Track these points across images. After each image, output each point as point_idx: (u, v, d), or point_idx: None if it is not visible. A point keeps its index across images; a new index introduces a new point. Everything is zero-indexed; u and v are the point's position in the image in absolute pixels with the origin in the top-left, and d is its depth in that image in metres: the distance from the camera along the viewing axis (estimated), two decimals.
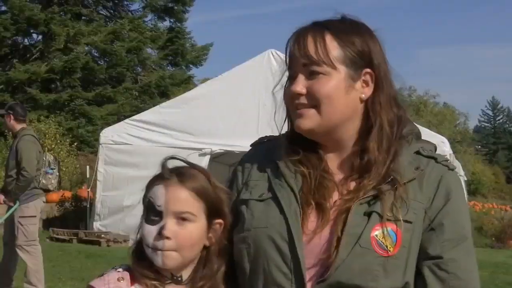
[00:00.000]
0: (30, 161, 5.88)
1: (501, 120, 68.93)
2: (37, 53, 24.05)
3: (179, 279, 1.35)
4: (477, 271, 1.33)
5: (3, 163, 11.04)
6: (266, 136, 1.52)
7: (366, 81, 1.32)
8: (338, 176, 1.35)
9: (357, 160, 1.33)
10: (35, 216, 6.09)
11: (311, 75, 1.30)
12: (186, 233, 1.31)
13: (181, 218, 1.30)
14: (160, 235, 1.30)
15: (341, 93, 1.30)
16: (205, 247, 1.36)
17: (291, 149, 1.37)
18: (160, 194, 1.32)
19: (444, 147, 10.68)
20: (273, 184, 1.35)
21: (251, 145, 1.51)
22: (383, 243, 1.25)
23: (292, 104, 1.34)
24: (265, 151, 1.44)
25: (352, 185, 1.33)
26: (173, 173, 1.34)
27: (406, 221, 1.26)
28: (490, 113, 68.74)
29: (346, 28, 1.33)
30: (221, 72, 11.75)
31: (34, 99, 22.01)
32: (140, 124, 11.20)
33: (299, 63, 1.31)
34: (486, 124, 68.77)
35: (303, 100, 1.31)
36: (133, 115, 12.79)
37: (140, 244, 1.36)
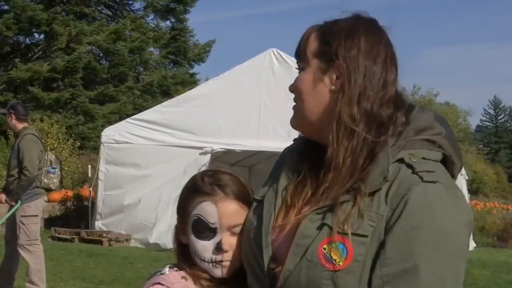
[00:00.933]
0: (32, 160, 5.88)
1: (503, 119, 68.86)
2: (39, 53, 24.08)
3: (224, 282, 1.40)
4: None
5: (5, 162, 11.06)
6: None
7: (337, 75, 1.27)
8: (315, 181, 1.31)
9: (325, 161, 1.27)
10: (36, 215, 6.09)
11: (299, 71, 1.34)
12: (237, 243, 1.37)
13: (232, 230, 1.36)
14: (218, 250, 1.35)
15: (310, 86, 1.30)
16: None
17: (303, 153, 1.37)
18: (211, 212, 1.36)
19: None
20: (271, 185, 1.37)
21: (293, 140, 1.46)
22: (331, 256, 1.18)
23: None
24: (289, 151, 1.43)
25: (320, 192, 1.28)
26: (214, 186, 1.37)
27: (358, 234, 1.17)
28: (492, 112, 68.67)
29: (334, 24, 1.31)
30: (223, 71, 11.76)
31: (36, 98, 22.03)
32: (142, 123, 11.21)
33: (298, 59, 1.36)
34: (488, 123, 68.71)
35: (294, 98, 1.35)
36: (135, 114, 12.80)
37: (182, 250, 1.42)
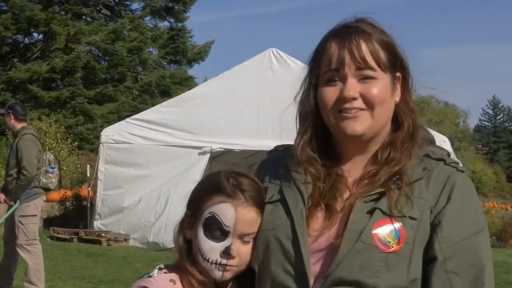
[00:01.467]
0: (31, 160, 5.88)
1: (501, 119, 68.91)
2: (37, 53, 24.06)
3: (221, 285, 1.39)
4: (486, 269, 1.30)
5: (4, 162, 11.05)
6: (282, 144, 1.55)
7: (397, 85, 1.38)
8: (354, 176, 1.37)
9: (376, 159, 1.37)
10: (35, 215, 6.09)
11: (364, 79, 1.33)
12: (249, 252, 1.36)
13: (246, 238, 1.35)
14: (226, 254, 1.33)
15: (389, 96, 1.35)
16: None
17: (309, 156, 1.38)
18: (229, 215, 1.34)
19: (445, 146, 10.68)
20: (283, 187, 1.38)
21: (267, 153, 1.54)
22: (385, 239, 1.25)
23: (335, 108, 1.34)
24: (279, 158, 1.47)
25: (364, 183, 1.35)
26: (237, 190, 1.36)
27: (410, 217, 1.27)
28: (491, 112, 68.73)
29: (380, 31, 1.37)
30: (222, 71, 11.75)
31: (35, 98, 22.02)
32: (141, 123, 11.20)
33: (352, 66, 1.32)
34: (487, 123, 68.76)
35: (356, 104, 1.33)
36: (134, 114, 12.79)
37: (185, 245, 1.40)
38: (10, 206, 6.02)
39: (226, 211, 1.34)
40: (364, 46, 1.32)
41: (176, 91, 22.19)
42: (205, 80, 19.57)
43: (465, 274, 1.27)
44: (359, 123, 1.32)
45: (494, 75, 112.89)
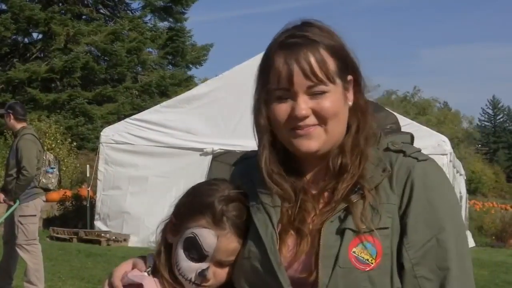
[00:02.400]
0: (30, 160, 5.88)
1: (501, 119, 68.94)
2: (37, 53, 24.07)
3: None
4: (452, 270, 1.23)
5: (3, 162, 11.05)
6: (246, 153, 1.47)
7: (349, 88, 1.31)
8: (314, 189, 1.31)
9: (331, 166, 1.29)
10: (35, 215, 6.09)
11: (315, 95, 1.26)
12: (225, 274, 1.35)
13: (225, 264, 1.34)
14: (201, 276, 1.32)
15: (342, 106, 1.29)
16: None
17: (272, 165, 1.32)
18: (211, 241, 1.32)
19: (445, 146, 10.68)
20: (251, 207, 1.32)
21: (232, 165, 1.48)
22: (363, 258, 1.21)
23: (289, 126, 1.28)
24: (244, 171, 1.41)
25: (326, 195, 1.29)
26: (223, 218, 1.32)
27: (381, 228, 1.22)
28: (491, 112, 68.76)
29: (327, 36, 1.29)
30: (222, 72, 11.75)
31: (34, 99, 22.02)
32: (141, 123, 11.20)
33: (302, 83, 1.25)
34: (487, 123, 68.78)
35: (308, 121, 1.26)
36: (133, 114, 12.79)
37: (165, 248, 1.39)
38: (9, 206, 6.02)
39: (208, 236, 1.32)
40: (312, 60, 1.24)
41: (176, 91, 22.20)
42: (205, 80, 19.56)
43: (434, 277, 1.22)
44: (313, 140, 1.26)
45: (494, 75, 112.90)
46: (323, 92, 1.26)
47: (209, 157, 10.67)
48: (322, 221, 1.25)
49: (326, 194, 1.29)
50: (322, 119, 1.26)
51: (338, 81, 1.28)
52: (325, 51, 1.27)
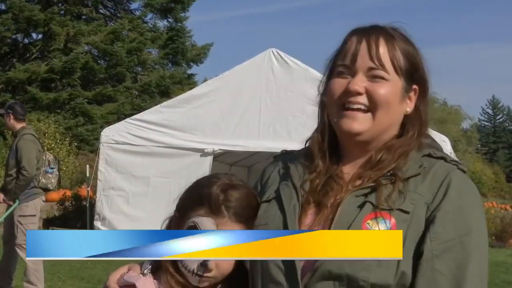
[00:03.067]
0: (30, 160, 5.88)
1: (501, 119, 68.96)
2: (37, 53, 24.06)
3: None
4: (468, 272, 1.24)
5: (3, 162, 11.04)
6: (286, 149, 1.55)
7: (411, 97, 1.36)
8: (349, 175, 1.35)
9: (373, 158, 1.34)
10: (34, 215, 6.09)
11: (374, 77, 1.30)
12: (228, 265, 1.35)
13: None
14: (203, 266, 1.33)
15: (397, 102, 1.32)
16: None
17: (309, 158, 1.38)
18: (208, 225, 1.34)
19: (445, 146, 10.67)
20: (280, 185, 1.38)
21: (273, 157, 1.55)
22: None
23: (340, 102, 1.33)
24: (283, 161, 1.47)
25: (357, 183, 1.33)
26: (222, 207, 1.34)
27: (401, 210, 1.25)
28: (490, 112, 68.77)
29: (404, 39, 1.35)
30: (222, 72, 11.74)
31: (34, 99, 22.02)
32: (141, 123, 11.19)
33: (365, 63, 1.30)
34: (486, 123, 68.78)
35: (359, 99, 1.31)
36: (133, 114, 12.78)
37: None
38: (9, 206, 6.02)
39: (207, 225, 1.34)
40: (382, 46, 1.30)
41: (176, 91, 22.20)
42: (205, 80, 19.56)
43: (450, 275, 1.23)
44: (357, 123, 1.30)
45: (494, 75, 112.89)
46: (382, 78, 1.30)
47: (210, 158, 10.66)
48: (344, 194, 1.29)
49: (358, 181, 1.33)
50: (373, 103, 1.30)
51: (401, 79, 1.32)
52: (398, 48, 1.32)
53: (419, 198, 1.27)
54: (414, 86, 1.35)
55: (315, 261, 1.24)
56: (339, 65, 1.33)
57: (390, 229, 1.22)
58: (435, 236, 1.24)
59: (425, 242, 1.24)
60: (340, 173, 1.35)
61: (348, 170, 1.36)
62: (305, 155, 1.41)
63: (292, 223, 1.28)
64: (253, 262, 1.34)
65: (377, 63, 1.29)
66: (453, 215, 1.26)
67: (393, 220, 1.23)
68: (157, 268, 1.40)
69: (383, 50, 1.30)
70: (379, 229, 1.22)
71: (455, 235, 1.24)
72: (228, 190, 1.37)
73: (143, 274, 1.39)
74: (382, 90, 1.30)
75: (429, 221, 1.25)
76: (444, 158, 1.35)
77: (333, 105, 1.34)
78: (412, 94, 1.35)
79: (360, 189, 1.28)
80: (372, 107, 1.30)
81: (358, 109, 1.31)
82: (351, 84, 1.30)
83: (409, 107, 1.35)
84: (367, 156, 1.36)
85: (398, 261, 1.22)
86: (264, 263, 1.30)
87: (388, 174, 1.29)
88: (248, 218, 1.36)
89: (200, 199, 1.37)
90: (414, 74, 1.34)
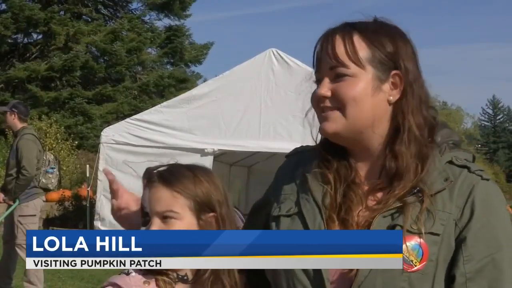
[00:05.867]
0: (30, 160, 5.89)
1: (501, 119, 68.95)
2: (36, 52, 24.08)
3: (185, 278, 1.38)
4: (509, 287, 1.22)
5: (4, 162, 11.05)
6: (300, 146, 1.49)
7: (395, 83, 1.29)
8: (366, 185, 1.31)
9: (386, 166, 1.29)
10: (34, 215, 6.09)
11: (337, 77, 1.27)
12: None
13: (164, 216, 1.36)
14: None
15: (368, 95, 1.26)
16: None
17: (323, 159, 1.34)
18: (146, 197, 1.40)
19: None
20: (300, 198, 1.33)
21: (285, 156, 1.49)
22: (408, 257, 1.19)
23: (318, 108, 1.31)
24: (296, 163, 1.42)
25: (379, 195, 1.29)
26: (156, 175, 1.40)
27: (431, 233, 1.21)
28: (491, 112, 68.77)
29: (376, 29, 1.30)
30: (222, 72, 11.75)
31: (34, 97, 22.04)
32: (142, 123, 11.20)
33: (326, 65, 1.28)
34: (487, 123, 68.79)
35: (328, 103, 1.28)
36: (132, 113, 12.79)
37: None
38: (9, 206, 6.02)
39: (145, 194, 1.41)
40: (339, 43, 1.26)
41: (175, 91, 22.21)
42: (205, 80, 19.58)
43: None
44: (330, 122, 1.28)
45: (494, 75, 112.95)
46: (344, 75, 1.26)
47: (210, 158, 10.67)
48: (373, 215, 1.25)
49: (378, 193, 1.29)
50: (339, 102, 1.27)
51: (370, 69, 1.26)
52: (361, 39, 1.27)
53: (448, 217, 1.23)
54: (394, 72, 1.28)
55: (347, 275, 1.21)
56: (315, 73, 1.33)
57: (423, 253, 1.20)
58: (468, 259, 1.21)
59: (458, 266, 1.21)
60: (355, 179, 1.30)
61: (362, 171, 1.32)
62: (320, 156, 1.36)
63: None
64: (278, 282, 1.29)
65: (335, 62, 1.26)
66: (482, 233, 1.22)
67: (425, 245, 1.20)
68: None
69: (339, 47, 1.26)
70: (409, 254, 1.19)
71: (487, 253, 1.21)
72: (164, 165, 1.43)
73: (127, 274, 1.39)
74: (344, 88, 1.26)
75: (460, 241, 1.22)
76: (467, 167, 1.29)
77: (316, 114, 1.33)
78: (395, 80, 1.28)
79: (387, 210, 1.24)
80: (340, 106, 1.27)
81: (329, 109, 1.29)
82: (317, 91, 1.29)
83: (392, 95, 1.28)
84: (374, 158, 1.31)
85: (432, 285, 1.20)
86: (291, 284, 1.26)
87: (415, 190, 1.24)
88: (179, 185, 1.37)
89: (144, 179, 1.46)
90: (389, 60, 1.27)
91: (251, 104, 10.73)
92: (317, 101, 1.30)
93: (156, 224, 1.35)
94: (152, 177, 1.39)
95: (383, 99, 1.28)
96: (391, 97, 1.29)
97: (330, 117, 1.28)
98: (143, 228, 1.39)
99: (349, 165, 1.32)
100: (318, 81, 1.31)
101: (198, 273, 1.36)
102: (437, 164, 1.28)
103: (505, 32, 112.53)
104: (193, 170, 1.41)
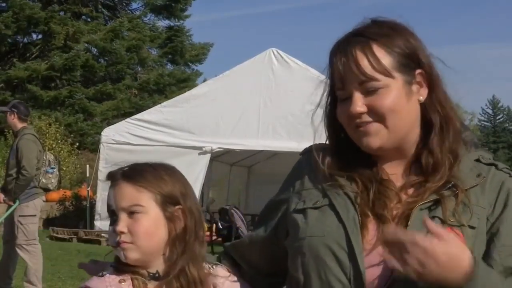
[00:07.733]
0: (30, 160, 5.88)
1: (501, 119, 68.94)
2: (37, 52, 24.09)
3: (157, 275, 1.37)
4: None
5: (4, 162, 11.05)
6: (314, 144, 1.46)
7: (420, 82, 1.29)
8: (398, 182, 1.31)
9: (418, 163, 1.30)
10: (35, 215, 6.09)
11: (369, 91, 1.26)
12: (138, 225, 1.35)
13: (130, 212, 1.35)
14: (115, 232, 1.35)
15: (403, 102, 1.27)
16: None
17: (342, 159, 1.33)
18: (110, 195, 1.39)
19: None
20: (327, 191, 1.31)
21: (300, 154, 1.47)
22: None
23: (352, 124, 1.29)
24: (314, 160, 1.39)
25: (410, 191, 1.29)
26: (119, 174, 1.40)
27: (469, 226, 1.23)
28: (490, 112, 68.76)
29: (387, 33, 1.29)
30: (222, 71, 11.76)
31: (34, 97, 22.06)
32: (142, 123, 11.21)
33: (353, 82, 1.27)
34: (486, 123, 68.79)
35: (366, 118, 1.26)
36: (133, 111, 12.80)
37: None
38: (9, 206, 6.02)
39: (110, 193, 1.39)
40: (361, 58, 1.25)
41: (175, 90, 22.23)
42: (205, 80, 19.59)
43: None
44: (373, 137, 1.27)
45: (494, 75, 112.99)
46: (377, 89, 1.26)
47: (208, 156, 10.68)
48: (410, 208, 1.25)
49: (409, 189, 1.29)
50: (378, 116, 1.26)
51: (398, 75, 1.27)
52: (379, 47, 1.27)
53: (482, 212, 1.26)
54: (418, 71, 1.29)
55: (385, 282, 1.21)
56: (337, 89, 1.31)
57: None
58: (502, 249, 1.23)
59: (493, 256, 1.23)
60: (387, 178, 1.30)
61: (391, 170, 1.32)
62: (337, 155, 1.35)
63: (355, 237, 1.23)
64: (307, 272, 1.28)
65: (363, 77, 1.25)
66: None
67: (462, 237, 1.20)
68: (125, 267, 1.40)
69: (362, 61, 1.25)
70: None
71: None
72: (128, 166, 1.43)
73: (101, 276, 1.40)
74: (382, 100, 1.25)
75: (493, 234, 1.25)
76: (495, 165, 1.33)
77: (348, 129, 1.31)
78: (419, 79, 1.29)
79: (424, 203, 1.24)
80: (380, 119, 1.26)
81: (367, 123, 1.27)
82: (351, 108, 1.26)
83: (421, 95, 1.29)
84: (403, 158, 1.32)
85: None
86: (325, 277, 1.25)
87: (450, 185, 1.25)
88: (141, 180, 1.37)
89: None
90: (409, 62, 1.28)
91: (250, 103, 10.75)
92: (350, 118, 1.28)
93: (123, 220, 1.34)
94: (115, 177, 1.39)
95: (415, 101, 1.29)
96: (421, 97, 1.30)
97: (370, 131, 1.27)
98: (110, 228, 1.39)
99: (372, 164, 1.32)
100: (345, 98, 1.29)
101: (169, 269, 1.37)
102: (466, 161, 1.31)
103: (505, 32, 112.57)
104: (155, 167, 1.43)
